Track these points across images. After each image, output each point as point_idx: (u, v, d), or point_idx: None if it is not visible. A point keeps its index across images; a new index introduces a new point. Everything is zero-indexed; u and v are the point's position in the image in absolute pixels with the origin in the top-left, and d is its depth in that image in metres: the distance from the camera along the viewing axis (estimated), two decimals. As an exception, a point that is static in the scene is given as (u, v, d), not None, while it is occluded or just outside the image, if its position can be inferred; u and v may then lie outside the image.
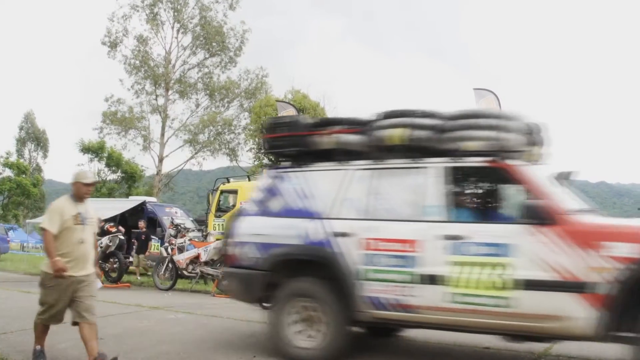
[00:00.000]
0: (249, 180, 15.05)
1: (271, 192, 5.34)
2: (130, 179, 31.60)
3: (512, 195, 4.95)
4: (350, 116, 5.24)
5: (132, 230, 14.16)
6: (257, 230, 5.16)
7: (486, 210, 5.01)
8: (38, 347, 4.66)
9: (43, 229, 4.48)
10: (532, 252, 4.09)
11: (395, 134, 4.78)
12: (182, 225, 12.85)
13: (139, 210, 15.94)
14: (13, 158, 43.12)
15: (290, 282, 4.98)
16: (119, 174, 31.26)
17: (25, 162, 47.72)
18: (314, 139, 5.19)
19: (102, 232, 12.28)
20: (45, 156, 56.69)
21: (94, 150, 30.67)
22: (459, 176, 4.75)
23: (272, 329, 5.03)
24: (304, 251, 4.94)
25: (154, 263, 12.54)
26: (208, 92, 31.85)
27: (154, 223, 15.53)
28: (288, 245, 4.97)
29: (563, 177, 4.87)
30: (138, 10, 30.37)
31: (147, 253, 13.67)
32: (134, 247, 13.59)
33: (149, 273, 13.44)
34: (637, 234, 3.95)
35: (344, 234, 4.74)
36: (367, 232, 4.67)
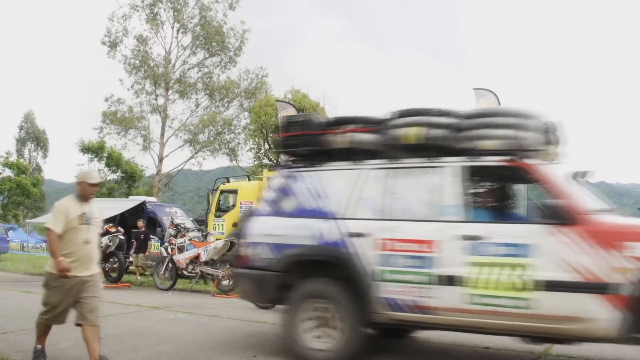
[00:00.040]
0: (249, 180, 15.06)
1: (284, 192, 5.27)
2: (130, 178, 31.55)
3: (531, 195, 4.89)
4: (364, 115, 5.16)
5: (132, 230, 14.11)
6: (270, 231, 5.09)
7: (504, 210, 4.94)
8: (39, 346, 4.64)
9: (48, 229, 4.44)
10: (553, 252, 4.02)
11: (412, 133, 4.72)
12: (182, 225, 12.84)
13: (139, 210, 15.89)
14: (13, 158, 43.12)
15: (304, 283, 4.90)
16: (118, 173, 31.22)
17: (25, 162, 47.69)
18: (328, 138, 5.12)
19: (102, 233, 12.22)
20: (45, 156, 56.82)
21: (94, 150, 30.60)
22: (476, 175, 4.69)
23: (286, 331, 4.96)
24: (318, 252, 4.87)
25: (154, 263, 12.53)
26: (208, 92, 31.86)
27: (154, 223, 15.51)
28: (302, 245, 4.89)
29: (579, 177, 4.82)
30: (138, 10, 30.43)
31: (146, 253, 13.66)
32: (133, 247, 13.56)
33: (147, 273, 13.47)
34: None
35: (359, 234, 4.68)
36: (383, 232, 4.60)
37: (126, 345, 5.40)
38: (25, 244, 29.93)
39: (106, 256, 12.37)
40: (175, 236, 12.18)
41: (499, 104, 14.86)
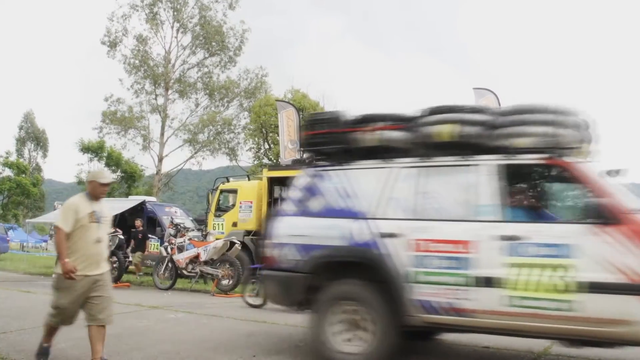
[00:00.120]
0: (249, 179, 15.03)
1: (310, 191, 5.13)
2: (129, 178, 31.32)
3: (570, 194, 4.77)
4: (393, 112, 5.02)
5: (132, 229, 14.01)
6: (297, 231, 4.95)
7: (543, 209, 4.82)
8: (45, 344, 4.61)
9: (57, 228, 4.37)
10: (596, 253, 3.90)
11: (445, 130, 4.59)
12: (181, 225, 12.78)
13: (139, 210, 15.75)
14: (13, 158, 42.96)
15: (333, 285, 4.76)
16: (118, 173, 30.94)
17: (25, 162, 47.62)
18: (356, 136, 4.98)
19: None
20: (44, 156, 56.89)
21: (94, 149, 30.34)
22: (513, 174, 4.55)
23: (314, 334, 4.82)
24: (349, 253, 4.73)
25: (154, 262, 12.47)
26: (208, 91, 31.78)
27: (153, 222, 15.39)
28: (331, 246, 4.75)
29: (613, 175, 4.70)
30: (137, 10, 30.32)
31: (145, 252, 13.59)
32: (131, 246, 13.46)
33: (142, 273, 13.40)
34: None
35: (391, 235, 4.54)
36: (416, 232, 4.47)
37: (126, 345, 5.36)
38: (25, 244, 29.73)
39: (105, 256, 12.25)
40: (175, 236, 12.14)
41: (499, 103, 14.83)
